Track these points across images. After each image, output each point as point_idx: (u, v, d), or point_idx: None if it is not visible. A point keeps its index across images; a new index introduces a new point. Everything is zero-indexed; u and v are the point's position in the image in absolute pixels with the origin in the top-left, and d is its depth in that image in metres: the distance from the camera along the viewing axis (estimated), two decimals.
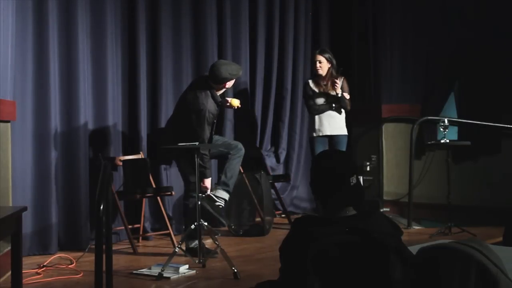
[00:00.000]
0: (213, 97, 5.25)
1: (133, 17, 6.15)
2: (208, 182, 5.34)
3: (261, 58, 7.30)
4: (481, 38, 6.71)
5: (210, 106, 5.20)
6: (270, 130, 7.44)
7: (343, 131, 6.27)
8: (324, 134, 6.20)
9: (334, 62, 6.26)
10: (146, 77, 6.26)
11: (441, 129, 6.14)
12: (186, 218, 5.38)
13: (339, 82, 6.12)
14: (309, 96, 6.28)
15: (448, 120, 6.17)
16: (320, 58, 6.22)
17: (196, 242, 5.06)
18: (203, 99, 5.20)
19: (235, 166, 5.47)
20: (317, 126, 6.21)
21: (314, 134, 6.25)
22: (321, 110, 6.21)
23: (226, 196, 5.37)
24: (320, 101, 6.21)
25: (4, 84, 4.67)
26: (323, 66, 6.22)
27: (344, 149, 6.17)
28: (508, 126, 6.45)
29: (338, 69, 6.31)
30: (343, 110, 6.25)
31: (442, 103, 7.06)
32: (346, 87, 6.25)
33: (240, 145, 5.54)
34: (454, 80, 7.01)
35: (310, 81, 6.35)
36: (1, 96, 4.60)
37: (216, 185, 5.45)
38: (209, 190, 5.35)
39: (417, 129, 6.89)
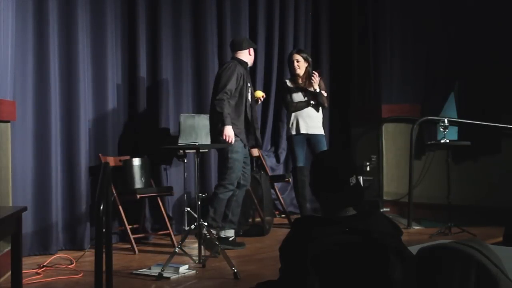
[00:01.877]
0: (240, 63, 5.60)
1: (133, 17, 6.16)
2: (227, 130, 5.34)
3: (261, 58, 7.30)
4: (481, 38, 6.72)
5: (238, 67, 5.53)
6: (270, 130, 7.45)
7: (321, 130, 6.30)
8: (302, 132, 6.22)
9: (311, 61, 6.32)
10: (146, 77, 6.26)
11: (441, 129, 6.14)
12: (212, 208, 5.43)
13: (316, 77, 6.15)
14: (286, 90, 6.28)
15: (448, 120, 6.17)
16: (298, 57, 6.28)
17: (229, 231, 5.51)
18: (229, 63, 5.62)
19: (241, 202, 5.70)
20: (294, 125, 6.25)
21: (293, 133, 6.26)
22: (299, 107, 6.24)
23: (233, 232, 5.60)
24: (298, 97, 6.24)
25: (4, 84, 4.66)
26: (301, 65, 6.27)
27: (324, 148, 6.20)
28: (508, 126, 6.45)
29: (316, 69, 6.37)
30: (320, 109, 6.28)
31: (442, 103, 7.06)
32: (323, 85, 6.30)
33: (249, 180, 5.77)
34: (454, 80, 7.01)
35: (287, 80, 6.39)
36: (1, 96, 4.60)
37: (222, 223, 5.59)
38: (230, 140, 5.34)
39: (417, 129, 6.89)
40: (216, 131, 5.41)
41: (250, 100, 5.60)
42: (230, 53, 6.86)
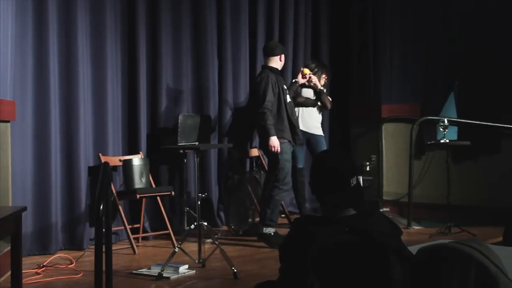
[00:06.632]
0: (272, 71, 5.75)
1: (133, 17, 6.16)
2: (273, 141, 5.53)
3: (261, 58, 7.24)
4: (481, 38, 6.72)
5: (270, 76, 5.68)
6: None
7: (320, 131, 6.33)
8: (301, 129, 6.22)
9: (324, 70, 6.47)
10: (146, 77, 6.26)
11: (441, 129, 6.14)
12: (269, 209, 5.60)
13: (313, 77, 6.22)
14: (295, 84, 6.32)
15: (448, 120, 6.17)
16: (307, 71, 6.36)
17: (271, 229, 5.61)
18: (262, 73, 5.77)
19: (281, 198, 5.79)
20: None
21: None
22: (307, 103, 6.26)
23: (273, 230, 5.65)
24: (308, 93, 6.25)
25: (4, 84, 4.67)
26: (312, 77, 6.32)
27: (324, 149, 6.22)
28: (508, 126, 6.45)
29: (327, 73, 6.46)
30: (321, 110, 6.32)
31: (442, 103, 7.06)
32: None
33: (289, 178, 5.84)
34: (454, 80, 7.01)
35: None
36: (1, 96, 4.60)
37: (259, 223, 5.77)
38: (276, 149, 5.51)
39: (417, 129, 6.89)
40: (265, 142, 5.61)
41: (289, 100, 5.79)
42: (230, 53, 6.91)
